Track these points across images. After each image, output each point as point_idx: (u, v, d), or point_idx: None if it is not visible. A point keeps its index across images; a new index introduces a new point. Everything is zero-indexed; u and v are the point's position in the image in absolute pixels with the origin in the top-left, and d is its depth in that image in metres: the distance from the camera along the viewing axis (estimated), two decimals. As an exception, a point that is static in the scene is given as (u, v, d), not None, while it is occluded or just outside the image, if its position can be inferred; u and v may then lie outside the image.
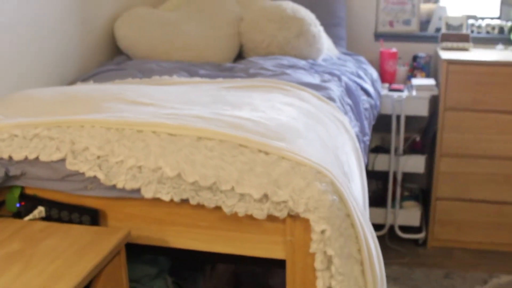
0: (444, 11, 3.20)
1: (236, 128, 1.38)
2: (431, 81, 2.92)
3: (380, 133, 3.10)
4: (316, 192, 1.23)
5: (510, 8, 3.16)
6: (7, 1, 1.96)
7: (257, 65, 2.27)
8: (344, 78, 2.35)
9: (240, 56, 2.70)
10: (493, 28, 3.14)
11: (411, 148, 3.01)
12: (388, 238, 3.04)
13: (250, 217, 1.32)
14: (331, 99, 1.97)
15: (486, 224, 2.92)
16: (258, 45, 2.60)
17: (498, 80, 2.77)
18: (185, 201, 1.37)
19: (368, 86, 2.61)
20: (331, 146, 1.56)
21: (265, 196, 1.26)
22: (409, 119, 3.04)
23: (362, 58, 2.99)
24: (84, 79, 2.23)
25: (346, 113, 2.05)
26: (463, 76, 2.78)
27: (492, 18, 3.23)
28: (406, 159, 2.95)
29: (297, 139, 1.38)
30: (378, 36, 3.26)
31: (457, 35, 3.05)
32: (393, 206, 3.02)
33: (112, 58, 2.62)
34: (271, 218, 1.30)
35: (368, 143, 2.38)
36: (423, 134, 3.15)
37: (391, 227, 3.03)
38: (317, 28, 2.59)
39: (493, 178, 2.86)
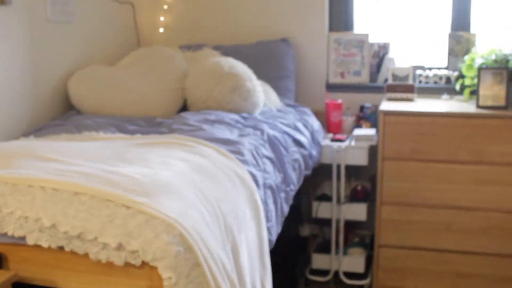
0: (392, 62, 3.34)
1: (109, 184, 1.54)
2: (371, 131, 3.04)
3: (327, 181, 3.21)
4: (163, 243, 1.37)
5: (456, 59, 3.28)
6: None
7: (183, 120, 2.44)
8: (269, 132, 2.49)
9: (185, 109, 2.87)
10: (440, 78, 3.26)
11: (354, 196, 3.10)
12: (334, 284, 3.12)
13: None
14: (239, 153, 2.11)
15: (428, 271, 2.98)
16: (198, 100, 2.77)
17: (437, 130, 2.87)
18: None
19: (302, 137, 2.75)
20: (212, 199, 1.69)
21: (121, 245, 1.40)
22: (356, 168, 3.15)
23: (307, 110, 3.14)
24: (28, 133, 2.42)
25: (258, 165, 2.19)
26: (401, 127, 2.90)
27: (439, 68, 3.35)
28: (348, 207, 3.05)
29: (162, 194, 1.53)
30: (329, 87, 3.40)
31: (402, 86, 3.18)
32: (337, 252, 3.10)
33: (64, 114, 2.82)
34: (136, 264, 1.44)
35: (292, 192, 2.51)
36: (372, 183, 3.24)
37: (336, 274, 3.11)
38: (252, 83, 2.75)
39: (433, 226, 2.93)
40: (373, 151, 3.03)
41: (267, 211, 2.14)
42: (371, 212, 3.10)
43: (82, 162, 1.73)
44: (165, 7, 3.60)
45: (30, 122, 2.62)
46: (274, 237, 2.17)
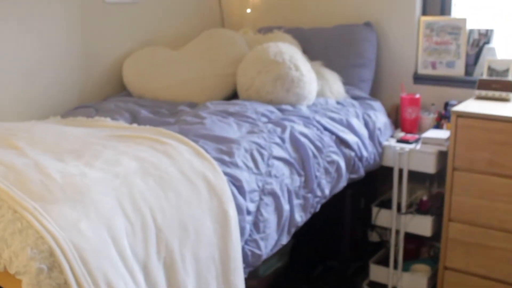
0: (493, 53, 2.79)
1: (18, 183, 1.47)
2: (443, 134, 2.59)
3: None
4: (25, 257, 1.26)
5: None
6: (15, 31, 2.33)
7: (198, 110, 2.28)
8: (296, 129, 2.23)
9: (236, 96, 2.71)
10: (554, 75, 2.66)
11: (419, 207, 2.68)
12: (390, 303, 2.76)
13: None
14: (228, 153, 1.91)
15: (499, 308, 2.49)
16: (241, 88, 2.59)
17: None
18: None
19: (350, 136, 2.43)
20: (147, 209, 1.54)
21: (-3, 251, 1.34)
22: (423, 176, 2.72)
23: (376, 104, 2.78)
24: (65, 113, 2.48)
25: (258, 167, 1.96)
26: (477, 133, 2.41)
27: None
28: (410, 218, 2.64)
29: (63, 200, 1.41)
30: (417, 79, 2.96)
31: (498, 82, 2.64)
32: (396, 267, 2.73)
33: (118, 93, 2.84)
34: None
35: (318, 199, 2.24)
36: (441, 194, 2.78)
37: (393, 291, 2.75)
38: (299, 72, 2.48)
39: (510, 255, 2.42)
40: (444, 158, 2.58)
41: (256, 221, 1.91)
42: (440, 228, 2.66)
43: (34, 154, 1.68)
44: (253, -14, 3.43)
45: (79, 99, 2.68)
46: (265, 251, 1.94)
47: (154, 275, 1.51)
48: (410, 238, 2.78)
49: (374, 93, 2.99)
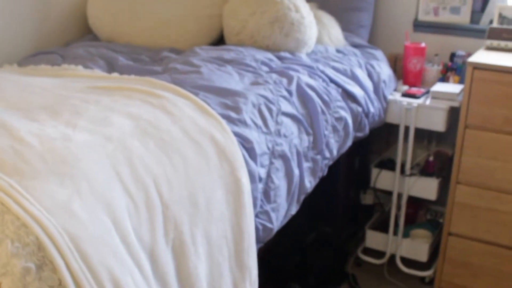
0: None
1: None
2: (455, 88, 2.34)
3: (395, 145, 2.58)
4: (6, 254, 0.92)
5: None
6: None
7: (189, 56, 1.93)
8: (303, 80, 1.92)
9: (223, 41, 2.36)
10: None
11: (425, 169, 2.45)
12: (388, 270, 2.55)
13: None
14: (234, 109, 1.58)
15: (507, 275, 2.32)
16: (231, 31, 2.24)
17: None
18: None
19: (356, 89, 2.15)
20: (151, 179, 1.22)
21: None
22: (431, 134, 2.49)
23: (378, 52, 2.49)
24: (22, 60, 2.06)
25: (267, 126, 1.65)
26: (495, 87, 2.17)
27: None
28: (414, 180, 2.41)
29: (47, 173, 1.06)
30: (417, 26, 2.69)
31: (510, 31, 2.40)
32: (396, 232, 2.52)
33: (82, 37, 2.43)
34: None
35: (326, 161, 1.97)
36: (450, 154, 2.57)
37: (393, 257, 2.53)
38: (299, 13, 2.15)
39: (522, 220, 2.24)
40: (455, 115, 2.34)
41: (267, 189, 1.62)
42: (445, 190, 2.44)
43: (1, 111, 1.32)
44: None
45: (37, 44, 2.26)
46: (276, 224, 1.66)
47: (162, 263, 1.21)
48: (408, 201, 2.56)
49: (372, 42, 2.70)
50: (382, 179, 2.50)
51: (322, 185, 2.50)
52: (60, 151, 1.14)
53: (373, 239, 2.58)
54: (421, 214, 2.70)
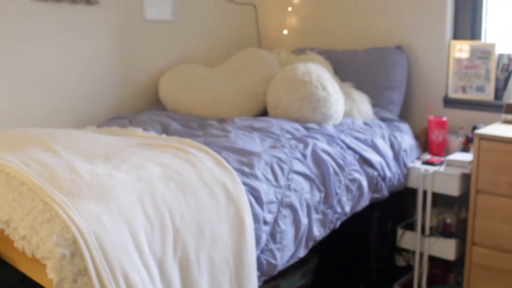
0: (524, 78, 2.81)
1: (50, 179, 1.60)
2: (467, 157, 2.60)
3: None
4: (51, 244, 1.38)
5: None
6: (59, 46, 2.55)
7: (226, 125, 2.39)
8: (319, 146, 2.30)
9: (266, 114, 2.81)
10: None
11: (443, 230, 2.69)
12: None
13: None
14: (249, 165, 1.99)
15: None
16: (270, 106, 2.69)
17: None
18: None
19: (374, 156, 2.48)
20: (167, 210, 1.64)
21: (26, 239, 1.45)
22: (448, 198, 2.73)
23: (404, 126, 2.82)
24: (101, 123, 2.63)
25: (277, 180, 2.04)
26: (500, 155, 2.42)
27: None
28: (433, 241, 2.65)
29: (89, 196, 1.53)
30: (448, 102, 3.00)
31: (525, 107, 2.66)
32: (419, 289, 2.74)
33: (154, 107, 2.98)
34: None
35: (338, 215, 2.29)
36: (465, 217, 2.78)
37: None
38: (326, 92, 2.56)
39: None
40: (468, 181, 2.59)
41: (273, 232, 1.98)
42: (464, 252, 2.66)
43: (68, 155, 1.81)
44: (290, 9, 3.54)
45: (115, 111, 2.83)
46: (281, 262, 2.00)
47: (169, 273, 1.60)
48: (437, 262, 2.77)
49: (404, 116, 3.03)
50: (406, 239, 2.76)
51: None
52: (102, 183, 1.61)
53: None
54: (450, 276, 2.89)
